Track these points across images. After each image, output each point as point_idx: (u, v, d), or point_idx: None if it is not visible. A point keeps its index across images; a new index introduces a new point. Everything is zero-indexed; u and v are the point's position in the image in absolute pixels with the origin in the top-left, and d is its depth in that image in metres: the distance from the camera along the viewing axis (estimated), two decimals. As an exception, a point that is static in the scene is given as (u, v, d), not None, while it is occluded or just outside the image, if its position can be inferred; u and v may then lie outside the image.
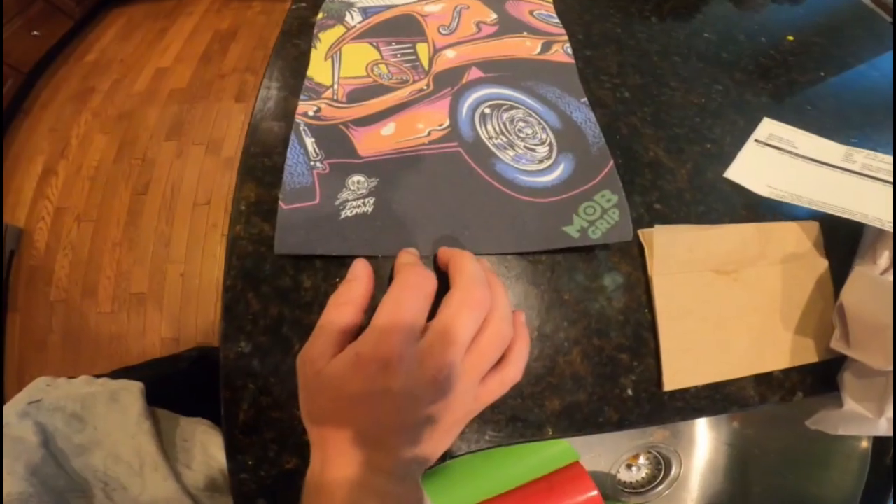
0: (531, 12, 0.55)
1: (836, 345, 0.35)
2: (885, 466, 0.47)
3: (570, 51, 0.51)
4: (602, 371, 0.36)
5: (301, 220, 0.38)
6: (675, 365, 0.35)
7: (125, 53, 2.00)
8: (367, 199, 0.40)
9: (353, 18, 0.52)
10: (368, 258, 0.35)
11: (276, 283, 0.37)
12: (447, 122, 0.44)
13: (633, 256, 0.39)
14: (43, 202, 1.64)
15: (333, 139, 0.43)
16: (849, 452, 0.48)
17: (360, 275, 0.32)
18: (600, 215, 0.39)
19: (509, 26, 0.53)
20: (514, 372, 0.31)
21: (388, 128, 0.44)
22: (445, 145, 0.43)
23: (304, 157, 0.42)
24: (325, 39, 0.50)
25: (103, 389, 0.56)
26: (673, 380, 0.35)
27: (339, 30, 0.51)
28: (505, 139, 0.44)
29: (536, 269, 0.38)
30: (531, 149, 0.43)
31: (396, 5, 0.54)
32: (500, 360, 0.31)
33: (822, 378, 0.38)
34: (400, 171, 0.42)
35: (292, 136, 0.43)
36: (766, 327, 0.37)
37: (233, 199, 0.40)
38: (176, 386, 0.70)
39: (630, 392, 0.36)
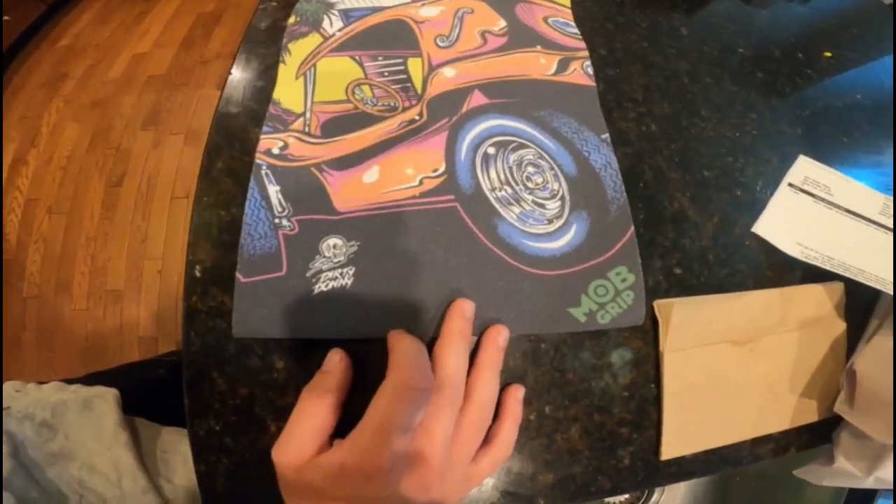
0: (546, 19, 0.43)
1: (840, 408, 0.33)
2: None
3: (590, 70, 0.40)
4: (600, 445, 0.33)
5: (264, 297, 0.30)
6: (676, 436, 0.33)
7: (101, 38, 1.82)
8: (345, 270, 0.31)
9: (332, 25, 0.41)
10: (348, 341, 0.30)
11: (244, 363, 0.31)
12: (442, 167, 0.35)
13: (646, 331, 0.33)
14: (13, 193, 1.49)
15: (303, 187, 0.33)
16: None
17: (335, 368, 0.29)
18: (612, 297, 0.32)
19: (520, 38, 0.41)
20: (504, 451, 0.30)
21: (370, 173, 0.34)
22: (440, 199, 0.33)
23: (265, 213, 0.31)
24: (297, 52, 0.39)
25: (75, 397, 0.50)
26: (672, 450, 0.33)
27: (314, 39, 0.40)
28: (510, 191, 0.34)
29: (538, 349, 0.32)
30: (540, 204, 0.34)
31: (385, 8, 0.42)
32: (490, 437, 0.29)
33: (816, 434, 0.35)
34: (385, 232, 0.32)
35: (251, 184, 0.32)
36: (773, 393, 0.34)
37: (185, 260, 0.31)
38: (154, 392, 0.63)
39: (627, 462, 0.33)
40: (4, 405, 0.47)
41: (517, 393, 0.31)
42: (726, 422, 0.33)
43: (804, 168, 0.39)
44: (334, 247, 0.31)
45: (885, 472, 0.32)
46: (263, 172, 0.33)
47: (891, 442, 0.30)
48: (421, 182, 0.34)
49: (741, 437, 0.34)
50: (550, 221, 0.34)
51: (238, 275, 0.30)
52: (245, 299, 0.30)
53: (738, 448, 0.34)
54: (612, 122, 0.38)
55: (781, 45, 0.47)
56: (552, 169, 0.35)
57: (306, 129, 0.35)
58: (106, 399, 0.50)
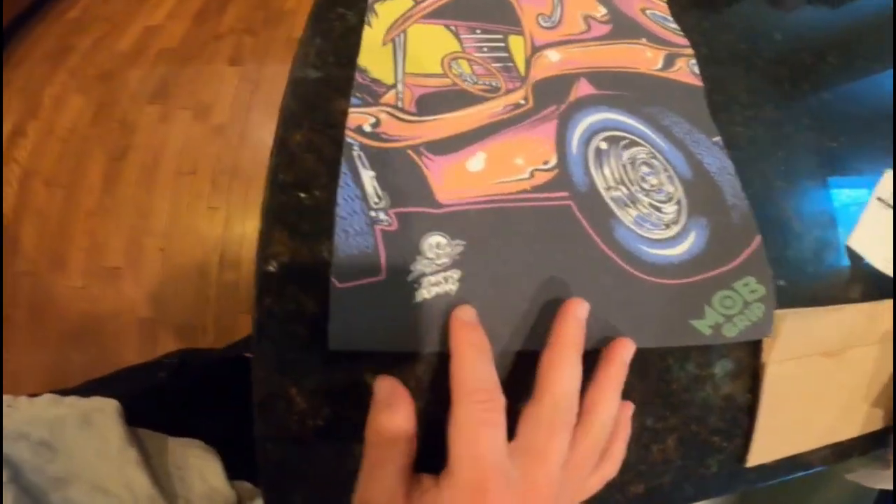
0: (643, 10, 0.39)
1: None
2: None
3: (696, 69, 0.37)
4: (693, 454, 0.31)
5: (362, 305, 0.25)
6: (765, 444, 0.32)
7: (111, 11, 1.71)
8: (449, 274, 0.26)
9: None
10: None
11: (328, 378, 0.26)
12: (554, 160, 0.30)
13: (749, 342, 0.31)
14: (10, 166, 1.40)
15: (401, 173, 0.28)
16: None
17: (397, 402, 0.24)
18: (740, 310, 0.29)
19: (624, 27, 0.37)
20: (614, 469, 0.28)
21: (476, 160, 0.29)
22: (553, 195, 0.29)
23: (361, 205, 0.26)
24: (385, 14, 0.33)
25: (72, 411, 0.45)
26: (758, 457, 0.32)
27: (404, 1, 0.34)
28: (626, 191, 0.30)
29: (647, 360, 0.29)
30: (656, 207, 0.30)
31: None
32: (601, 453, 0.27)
33: (876, 440, 0.35)
34: (493, 230, 0.27)
35: (343, 168, 0.27)
36: (850, 401, 0.35)
37: (256, 254, 0.26)
38: (156, 399, 0.57)
39: (714, 469, 0.31)
40: None
41: (629, 410, 0.29)
42: (808, 429, 0.34)
43: (891, 183, 0.38)
44: (437, 246, 0.26)
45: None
46: (356, 154, 0.27)
47: None
48: (532, 175, 0.29)
49: (818, 444, 0.34)
50: (668, 226, 0.30)
51: (333, 279, 0.25)
52: (342, 308, 0.24)
53: (810, 453, 0.34)
54: (719, 125, 0.35)
55: (867, 56, 0.44)
56: (666, 170, 0.31)
57: (399, 104, 0.30)
58: (107, 412, 0.45)
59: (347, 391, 0.25)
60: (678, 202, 0.31)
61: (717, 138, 0.33)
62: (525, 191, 0.29)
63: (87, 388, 0.51)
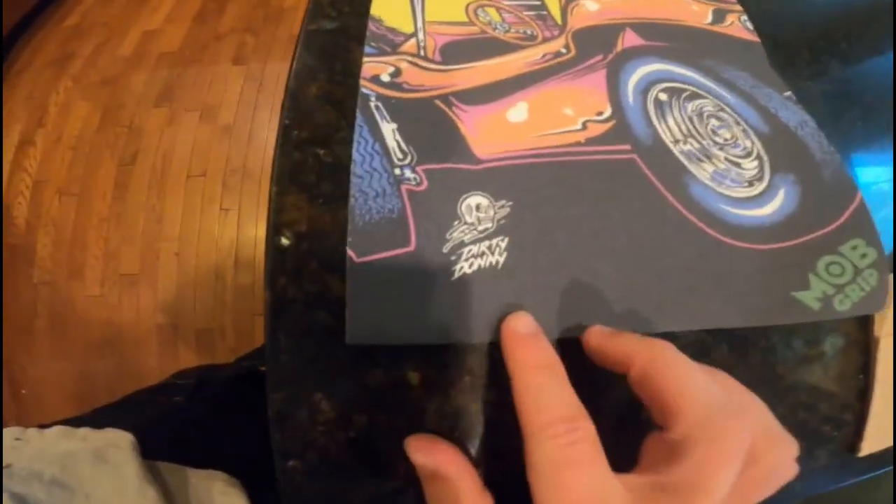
0: None
1: None
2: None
3: (749, 25, 0.32)
4: (802, 446, 0.24)
5: (388, 284, 0.21)
6: (879, 429, 0.28)
7: (109, 16, 1.69)
8: (494, 242, 0.22)
9: None
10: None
11: (361, 377, 0.21)
12: (608, 111, 0.26)
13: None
14: (21, 175, 1.38)
15: (429, 125, 0.24)
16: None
17: (455, 476, 0.18)
18: (852, 278, 0.24)
19: None
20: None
21: (517, 111, 0.25)
22: (612, 148, 0.25)
23: (381, 161, 0.22)
24: (399, -41, 0.29)
25: (85, 446, 0.42)
26: (872, 445, 0.28)
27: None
28: (696, 145, 0.26)
29: (746, 338, 0.24)
30: (735, 163, 0.26)
31: None
32: None
33: None
34: (545, 189, 0.23)
35: (358, 121, 0.23)
36: None
37: (267, 226, 0.21)
38: (174, 426, 0.52)
39: (822, 461, 0.27)
40: (5, 463, 0.39)
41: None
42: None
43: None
44: (478, 208, 0.22)
45: None
46: (373, 105, 0.24)
47: None
48: (584, 126, 0.25)
49: None
50: (751, 184, 0.25)
51: (350, 252, 0.21)
52: (361, 289, 0.20)
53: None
54: (787, 81, 0.31)
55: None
56: (738, 124, 0.27)
57: (421, 53, 0.26)
58: (121, 447, 0.42)
59: (386, 392, 0.21)
60: (758, 158, 0.26)
61: (788, 93, 0.29)
62: (579, 143, 0.25)
63: (101, 416, 0.49)
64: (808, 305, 0.23)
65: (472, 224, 0.22)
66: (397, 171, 0.22)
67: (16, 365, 1.26)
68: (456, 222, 0.22)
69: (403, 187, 0.22)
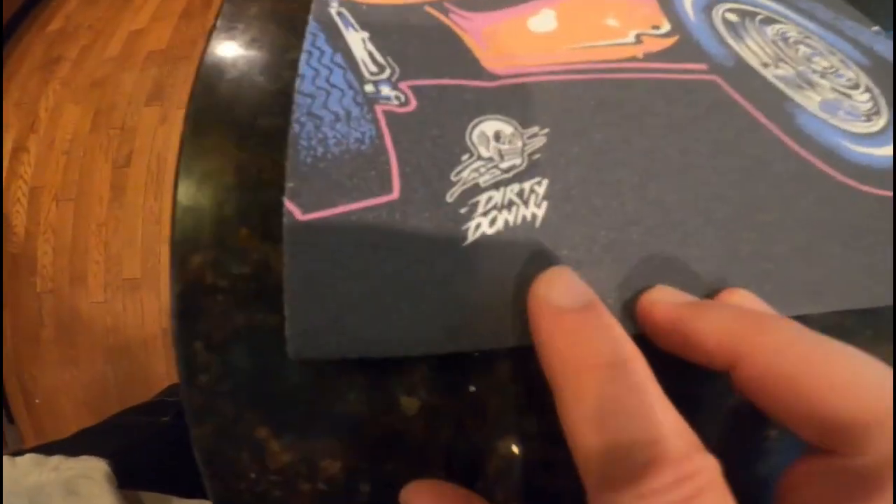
0: None
1: None
2: None
3: None
4: None
5: (355, 257, 0.13)
6: None
7: (94, 18, 1.65)
8: (528, 185, 0.15)
9: None
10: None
11: (327, 404, 0.14)
12: (666, 25, 0.20)
13: None
14: (17, 182, 1.35)
15: (414, 33, 0.18)
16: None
17: None
18: None
19: None
20: None
21: (541, 18, 0.20)
22: (684, 66, 0.19)
23: (344, 74, 0.17)
24: None
25: (56, 477, 0.39)
26: None
27: None
28: (792, 70, 0.20)
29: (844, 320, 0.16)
30: (844, 93, 0.20)
31: None
32: None
33: None
34: (598, 114, 0.17)
35: (311, 27, 0.17)
36: None
37: (175, 176, 0.16)
38: (159, 449, 0.49)
39: None
40: None
41: None
42: None
43: None
44: (497, 137, 0.16)
45: None
46: (334, 11, 0.18)
47: None
48: (639, 39, 0.19)
49: None
50: (869, 118, 0.20)
51: (289, 205, 0.14)
52: (310, 266, 0.13)
53: None
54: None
55: None
56: (833, 53, 0.21)
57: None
58: (94, 478, 0.39)
59: (369, 427, 0.14)
60: (868, 90, 0.20)
61: (877, 28, 0.23)
62: (635, 58, 0.19)
63: (80, 442, 0.45)
64: None
65: (491, 159, 0.16)
66: (369, 88, 0.16)
67: (27, 374, 1.24)
68: (466, 156, 0.15)
69: (379, 108, 0.16)
